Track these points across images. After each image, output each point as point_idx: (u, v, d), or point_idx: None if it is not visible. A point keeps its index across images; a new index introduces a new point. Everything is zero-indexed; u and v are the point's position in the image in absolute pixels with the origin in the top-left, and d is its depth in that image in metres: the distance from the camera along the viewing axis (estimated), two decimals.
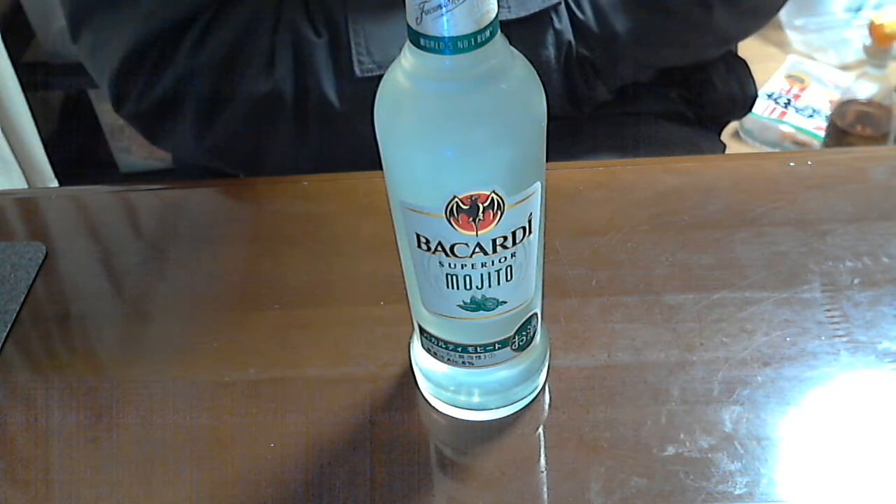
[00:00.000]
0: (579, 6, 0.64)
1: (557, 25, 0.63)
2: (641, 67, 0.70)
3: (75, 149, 1.46)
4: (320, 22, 0.62)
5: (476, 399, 0.47)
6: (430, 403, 0.48)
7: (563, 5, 0.64)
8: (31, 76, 1.27)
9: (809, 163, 0.61)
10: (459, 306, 0.41)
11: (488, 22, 0.34)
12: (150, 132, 0.67)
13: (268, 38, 0.62)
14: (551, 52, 0.64)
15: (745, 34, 0.75)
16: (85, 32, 0.62)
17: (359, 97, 0.62)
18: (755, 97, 0.81)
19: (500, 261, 0.39)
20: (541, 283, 0.44)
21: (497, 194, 0.37)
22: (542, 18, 0.63)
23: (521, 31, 0.62)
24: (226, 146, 0.66)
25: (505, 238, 0.38)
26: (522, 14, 0.62)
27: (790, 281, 0.53)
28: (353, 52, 0.61)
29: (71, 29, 0.63)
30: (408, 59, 0.35)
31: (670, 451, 0.45)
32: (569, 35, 0.64)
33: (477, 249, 0.38)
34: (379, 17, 0.62)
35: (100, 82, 0.65)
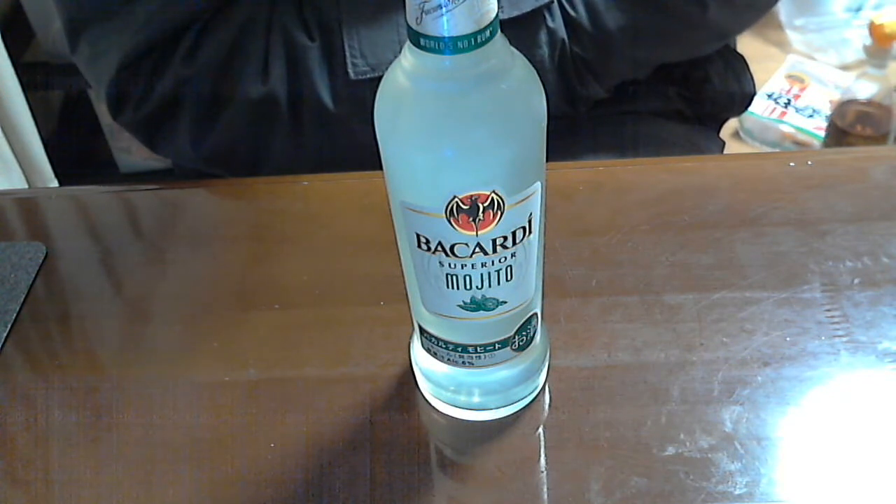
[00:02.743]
0: (572, 4, 0.64)
1: (551, 24, 0.63)
2: (636, 65, 0.70)
3: (75, 149, 1.46)
4: (313, 25, 0.62)
5: (476, 399, 0.47)
6: (430, 403, 0.48)
7: (555, 4, 0.63)
8: (31, 76, 1.27)
9: (809, 163, 0.61)
10: (459, 306, 0.41)
11: (488, 22, 0.34)
12: (149, 140, 0.68)
13: (261, 43, 0.62)
14: (545, 51, 0.64)
15: (741, 29, 0.75)
16: (82, 43, 0.63)
17: (353, 99, 0.62)
18: (753, 94, 0.81)
19: (500, 261, 0.39)
20: (541, 283, 0.44)
21: (497, 194, 0.37)
22: (535, 17, 0.63)
23: (515, 31, 0.62)
24: (223, 152, 0.67)
25: (505, 238, 0.38)
26: (515, 14, 0.62)
27: (790, 281, 0.53)
28: (347, 54, 0.61)
29: (69, 39, 0.63)
30: (408, 59, 0.36)
31: (670, 451, 0.45)
32: (562, 33, 0.64)
33: (477, 249, 0.38)
34: (372, 19, 0.62)
35: (98, 91, 0.66)
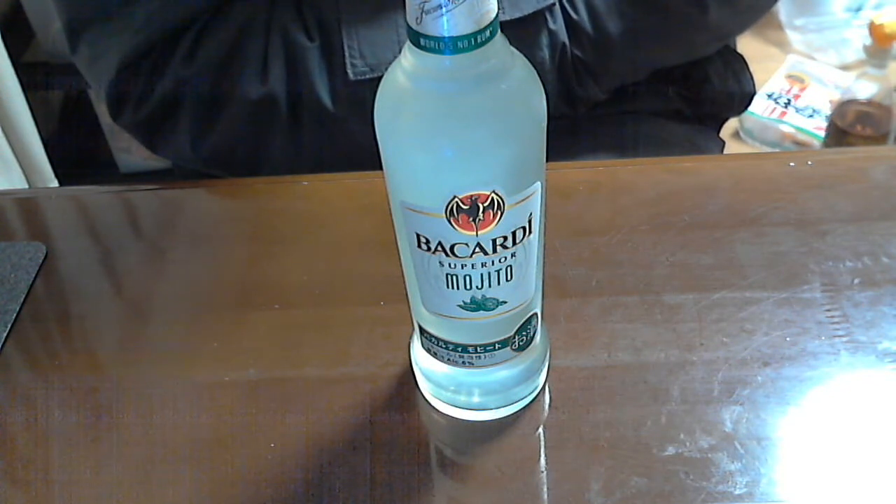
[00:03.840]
0: (573, 6, 0.64)
1: (552, 26, 0.63)
2: (636, 67, 0.70)
3: (75, 149, 1.46)
4: (313, 26, 0.62)
5: (476, 399, 0.47)
6: (430, 403, 0.48)
7: (556, 6, 0.63)
8: (31, 76, 1.27)
9: (809, 163, 0.61)
10: (459, 306, 0.41)
11: (488, 22, 0.34)
12: (149, 140, 0.68)
13: (260, 43, 0.62)
14: (546, 53, 0.64)
15: (741, 30, 0.75)
16: (82, 44, 0.63)
17: (352, 99, 0.62)
18: (753, 93, 0.81)
19: (500, 261, 0.39)
20: (541, 283, 0.44)
21: (497, 194, 0.37)
22: (536, 19, 0.63)
23: (516, 33, 0.62)
24: (223, 152, 0.67)
25: (505, 238, 0.38)
26: (517, 15, 0.62)
27: (790, 281, 0.53)
28: (346, 54, 0.61)
29: (68, 40, 0.63)
30: (408, 59, 0.36)
31: (670, 451, 0.45)
32: (563, 36, 0.64)
33: (477, 249, 0.38)
34: (371, 19, 0.62)
35: (98, 92, 0.66)
